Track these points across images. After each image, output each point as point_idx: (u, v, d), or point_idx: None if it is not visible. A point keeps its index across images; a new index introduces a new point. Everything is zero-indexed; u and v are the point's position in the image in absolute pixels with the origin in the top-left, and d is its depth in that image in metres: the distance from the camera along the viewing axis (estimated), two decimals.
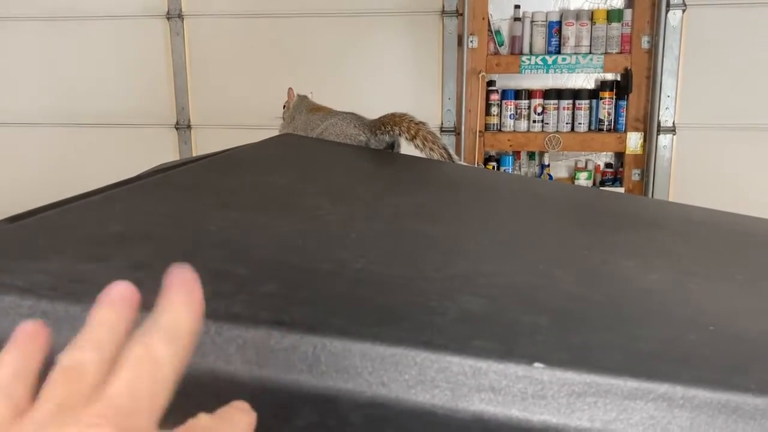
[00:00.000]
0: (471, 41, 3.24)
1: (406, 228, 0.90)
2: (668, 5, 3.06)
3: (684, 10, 3.07)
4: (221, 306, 0.58)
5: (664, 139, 3.17)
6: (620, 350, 0.55)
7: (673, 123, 3.17)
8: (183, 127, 3.39)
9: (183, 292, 0.35)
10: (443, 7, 3.22)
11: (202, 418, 0.34)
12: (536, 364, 0.51)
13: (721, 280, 0.81)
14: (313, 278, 0.68)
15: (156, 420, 0.31)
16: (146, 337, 0.33)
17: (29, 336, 0.34)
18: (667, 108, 3.15)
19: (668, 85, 3.13)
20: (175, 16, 3.29)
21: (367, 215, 0.94)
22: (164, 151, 3.28)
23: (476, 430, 0.51)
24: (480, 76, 3.28)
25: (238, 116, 3.29)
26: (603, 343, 0.56)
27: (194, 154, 3.21)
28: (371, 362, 0.54)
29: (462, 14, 3.18)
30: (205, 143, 3.29)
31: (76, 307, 0.54)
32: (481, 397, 0.51)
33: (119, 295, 0.35)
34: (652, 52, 3.14)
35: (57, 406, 0.30)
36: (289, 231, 0.82)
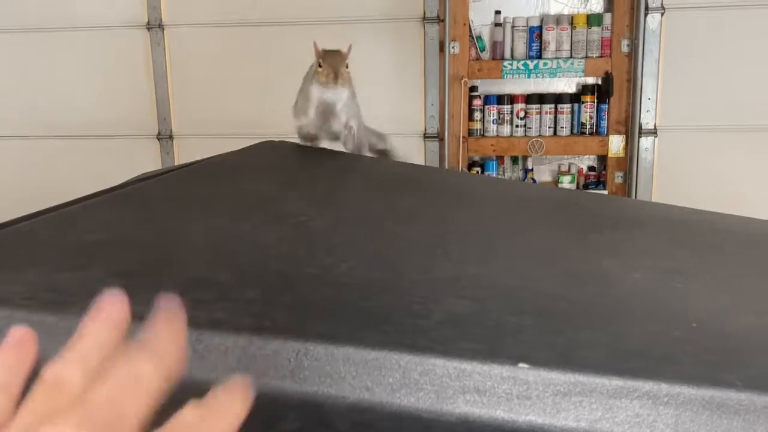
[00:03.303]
0: (453, 47, 3.25)
1: (389, 232, 0.89)
2: (647, 9, 3.08)
3: (663, 14, 3.09)
4: (203, 313, 0.57)
5: (645, 142, 3.20)
6: (604, 349, 0.55)
7: (655, 125, 3.19)
8: (165, 137, 3.37)
9: (169, 319, 0.35)
10: (424, 13, 3.23)
11: (188, 413, 0.33)
12: (521, 365, 0.51)
13: (703, 277, 0.81)
14: (296, 283, 0.68)
15: None
16: (131, 355, 0.33)
17: (16, 344, 0.33)
18: (648, 111, 3.17)
19: (649, 88, 3.15)
20: (155, 26, 3.27)
21: (350, 220, 0.94)
22: (146, 161, 3.26)
23: (461, 431, 0.50)
24: (462, 81, 3.29)
25: (221, 125, 3.27)
26: (587, 342, 0.56)
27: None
28: (355, 366, 0.53)
29: (443, 20, 3.19)
30: (188, 153, 3.28)
31: (53, 317, 0.54)
32: (466, 398, 0.51)
33: (110, 307, 0.34)
34: (632, 56, 3.16)
35: (36, 417, 0.30)
36: (271, 237, 0.82)
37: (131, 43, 3.29)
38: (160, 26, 3.27)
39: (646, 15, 3.08)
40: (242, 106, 3.26)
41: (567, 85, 3.41)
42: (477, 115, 3.39)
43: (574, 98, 3.35)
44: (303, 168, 1.27)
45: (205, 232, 0.81)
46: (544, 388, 0.50)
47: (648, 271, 0.78)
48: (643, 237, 0.98)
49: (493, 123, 3.40)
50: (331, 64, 1.30)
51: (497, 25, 3.35)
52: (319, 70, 1.32)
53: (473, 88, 3.40)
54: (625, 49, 3.19)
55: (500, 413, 0.50)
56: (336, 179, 1.23)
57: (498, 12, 3.35)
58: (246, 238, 0.80)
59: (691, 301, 0.72)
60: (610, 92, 3.23)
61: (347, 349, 0.54)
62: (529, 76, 3.30)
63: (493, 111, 3.39)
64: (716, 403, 0.49)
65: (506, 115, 3.40)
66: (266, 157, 1.29)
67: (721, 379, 0.51)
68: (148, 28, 3.28)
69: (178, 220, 0.87)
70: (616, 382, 0.50)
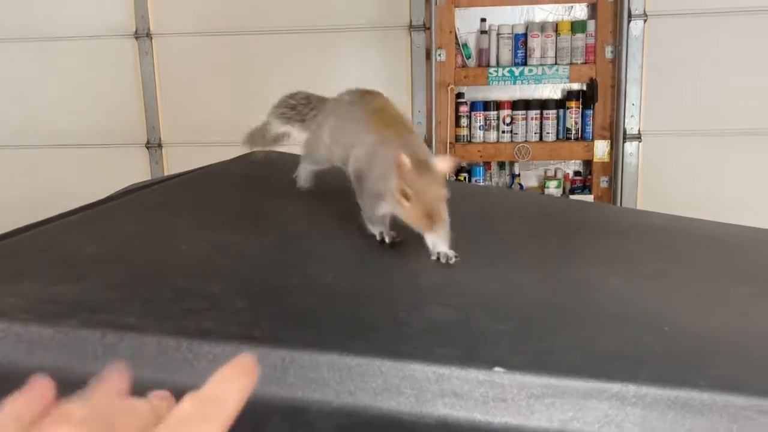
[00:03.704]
0: (439, 54, 3.28)
1: (376, 242, 0.92)
2: (630, 16, 3.13)
3: (645, 20, 3.14)
4: (192, 323, 0.60)
5: (630, 147, 3.24)
6: (577, 353, 0.57)
7: (639, 130, 3.23)
8: (154, 146, 3.39)
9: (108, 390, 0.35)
10: (411, 21, 3.26)
11: (186, 405, 0.33)
12: (496, 369, 0.54)
13: (681, 282, 0.84)
14: (284, 293, 0.70)
15: None
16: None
17: (35, 387, 0.34)
18: (632, 116, 3.21)
19: (633, 94, 3.20)
20: (143, 35, 3.29)
21: (337, 231, 0.96)
22: (136, 170, 3.27)
23: None
24: (449, 88, 3.33)
25: (210, 134, 3.29)
26: (561, 346, 0.58)
27: (166, 173, 3.21)
28: (339, 373, 0.55)
29: (429, 28, 3.22)
30: (177, 162, 3.29)
31: (50, 330, 0.56)
32: (445, 402, 0.53)
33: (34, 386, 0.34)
34: (616, 62, 3.20)
35: None
36: (260, 247, 0.84)
37: (119, 52, 3.30)
38: (148, 35, 3.29)
39: (629, 22, 3.12)
40: (231, 114, 3.28)
41: (552, 91, 3.45)
42: (464, 121, 3.43)
43: (560, 104, 3.39)
44: (291, 178, 1.29)
45: (195, 243, 0.83)
46: (519, 391, 0.53)
47: (628, 278, 0.81)
48: (626, 244, 1.01)
49: (479, 129, 3.43)
50: (427, 203, 0.81)
51: (483, 32, 3.39)
52: (406, 204, 0.82)
53: (460, 95, 3.43)
54: (608, 55, 3.24)
55: (477, 415, 0.53)
56: (323, 189, 1.25)
57: (483, 20, 3.38)
58: (235, 249, 0.83)
59: (666, 305, 0.74)
60: (595, 98, 3.27)
61: (332, 356, 0.56)
62: (514, 83, 3.34)
63: (479, 117, 3.43)
64: (681, 403, 0.52)
65: (492, 121, 3.43)
66: (256, 166, 1.31)
67: (686, 379, 0.53)
68: (136, 37, 3.29)
69: (169, 230, 0.89)
70: (586, 384, 0.52)
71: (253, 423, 0.55)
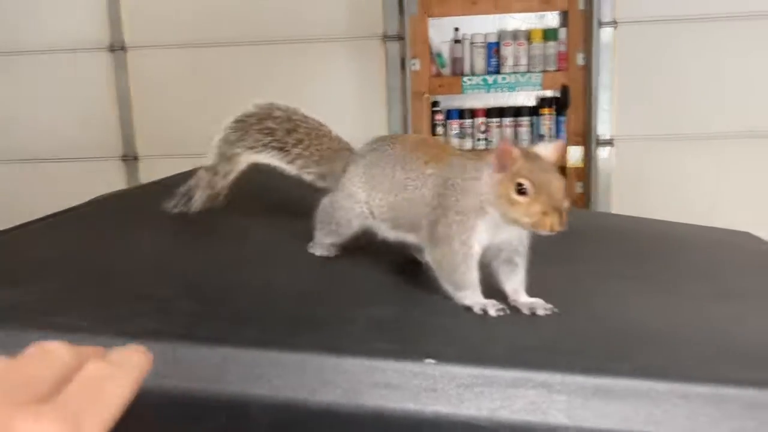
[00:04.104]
0: (413, 64, 3.31)
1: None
2: (600, 23, 3.18)
3: (615, 27, 3.19)
4: (139, 323, 0.61)
5: (603, 152, 3.28)
6: (506, 344, 0.59)
7: (611, 136, 3.28)
8: (130, 158, 3.39)
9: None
10: (385, 32, 3.29)
11: (91, 366, 0.35)
12: (427, 360, 0.56)
13: (639, 280, 0.86)
14: (232, 295, 0.72)
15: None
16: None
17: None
18: (604, 121, 3.26)
19: (604, 100, 3.24)
20: (118, 48, 3.30)
21: (290, 236, 0.98)
22: (112, 183, 3.27)
23: (375, 424, 0.55)
24: (424, 97, 3.36)
25: (186, 145, 3.30)
26: (491, 338, 0.61)
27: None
28: (279, 369, 0.57)
29: (403, 38, 3.25)
30: (154, 174, 3.29)
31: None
32: (379, 394, 0.55)
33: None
34: (587, 69, 3.25)
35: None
36: (212, 253, 0.86)
37: (94, 66, 3.31)
38: (123, 48, 3.30)
39: (599, 29, 3.17)
40: (207, 125, 3.29)
41: (526, 98, 3.49)
42: (440, 129, 3.46)
43: (533, 111, 3.43)
44: (251, 188, 1.30)
45: (150, 248, 0.85)
46: (449, 381, 0.55)
47: (566, 275, 0.83)
48: (574, 244, 1.03)
49: (455, 137, 3.47)
50: (549, 193, 0.68)
51: (456, 41, 3.43)
52: (520, 200, 0.68)
53: (435, 104, 3.47)
54: (580, 62, 3.28)
55: (410, 405, 0.55)
56: (279, 198, 1.26)
57: (457, 29, 3.43)
58: (188, 254, 0.84)
59: (614, 301, 0.77)
60: (568, 105, 3.31)
61: (272, 353, 0.58)
62: (488, 91, 3.38)
63: (455, 125, 3.47)
64: (605, 390, 0.54)
65: (468, 129, 3.47)
66: None
67: (610, 368, 0.56)
68: (111, 51, 3.30)
69: (126, 237, 0.91)
70: (513, 374, 0.54)
71: (195, 419, 0.56)
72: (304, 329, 0.62)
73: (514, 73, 3.36)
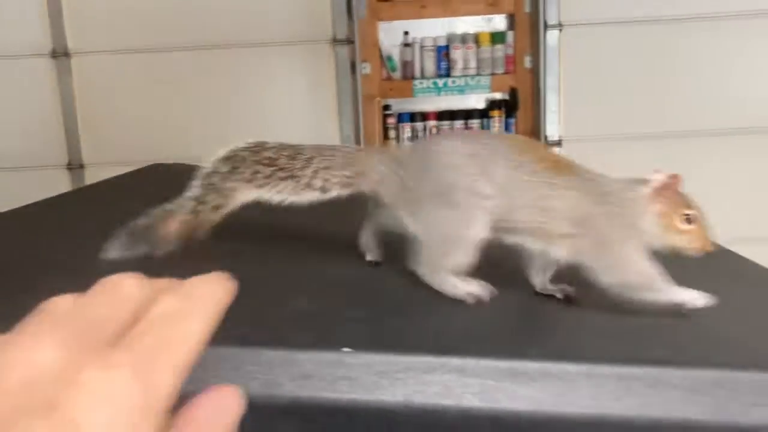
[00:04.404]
0: (364, 68, 3.32)
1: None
2: (546, 26, 3.24)
3: (560, 30, 3.25)
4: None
5: None
6: (421, 332, 0.60)
7: (559, 137, 3.34)
8: (76, 167, 3.33)
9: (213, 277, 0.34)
10: (334, 35, 3.30)
11: (166, 300, 0.31)
12: (344, 349, 0.56)
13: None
14: None
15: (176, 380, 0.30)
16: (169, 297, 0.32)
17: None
18: (552, 123, 3.31)
19: (552, 102, 3.30)
20: (61, 54, 3.24)
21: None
22: (57, 192, 3.21)
23: (292, 414, 0.55)
24: (375, 101, 3.37)
25: (133, 152, 3.25)
26: (408, 327, 0.61)
27: None
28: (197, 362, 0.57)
29: (353, 42, 3.26)
30: None
31: None
32: (296, 384, 0.55)
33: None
34: (535, 71, 3.30)
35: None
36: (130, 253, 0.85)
37: (37, 72, 3.24)
38: (66, 54, 3.24)
39: (545, 32, 3.23)
40: (154, 132, 3.25)
41: (476, 101, 3.53)
42: (392, 133, 3.48)
43: (484, 113, 3.48)
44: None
45: (71, 250, 0.84)
46: (365, 369, 0.55)
47: None
48: None
49: (408, 140, 3.49)
50: (703, 220, 0.75)
51: (406, 45, 3.45)
52: (687, 228, 0.74)
53: (387, 107, 3.48)
54: (527, 65, 3.34)
55: (326, 394, 0.55)
56: None
57: (406, 33, 3.45)
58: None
59: (527, 290, 0.78)
60: (517, 107, 3.36)
61: None
62: (439, 94, 3.41)
63: (407, 129, 3.49)
64: (516, 373, 0.55)
65: (420, 132, 3.50)
66: (150, 179, 1.31)
67: (521, 352, 0.57)
68: (54, 57, 3.24)
69: (45, 241, 0.89)
70: (427, 359, 0.55)
71: None
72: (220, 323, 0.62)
73: (464, 76, 3.40)
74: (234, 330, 0.62)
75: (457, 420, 0.53)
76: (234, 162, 0.83)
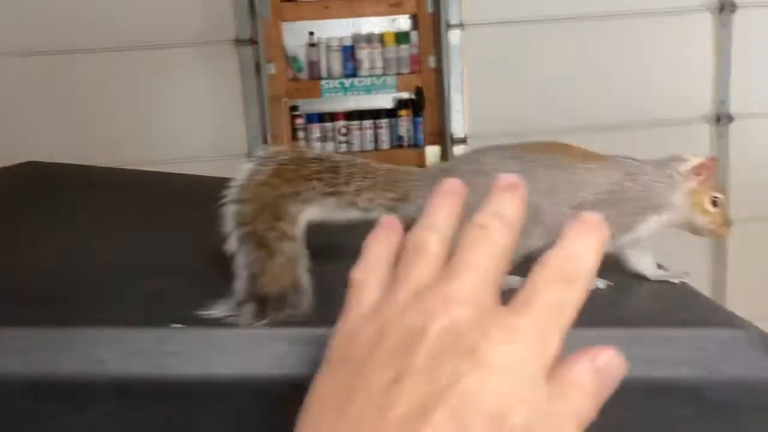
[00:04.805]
0: (269, 68, 3.30)
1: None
2: (448, 26, 3.29)
3: (462, 29, 3.31)
4: None
5: (458, 150, 3.39)
6: None
7: (465, 135, 3.40)
8: None
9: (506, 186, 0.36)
10: (237, 36, 3.26)
11: (551, 257, 0.33)
12: (173, 325, 0.55)
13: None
14: (16, 277, 0.69)
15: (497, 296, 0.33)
16: (481, 221, 0.34)
17: (388, 226, 0.37)
18: (457, 121, 3.37)
19: (456, 100, 3.35)
20: None
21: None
22: None
23: (118, 392, 0.54)
24: (282, 102, 3.35)
25: (24, 158, 3.13)
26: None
27: None
28: (26, 343, 0.55)
29: (257, 43, 3.23)
30: None
31: None
32: (120, 363, 0.54)
33: (452, 189, 0.37)
34: (439, 71, 3.36)
35: (413, 287, 0.33)
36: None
37: None
38: None
39: (447, 32, 3.28)
40: (54, 137, 3.13)
41: (384, 100, 3.56)
42: (301, 133, 3.47)
43: (391, 113, 3.51)
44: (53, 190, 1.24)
45: None
46: (194, 343, 0.54)
47: None
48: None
49: (317, 141, 3.49)
50: (726, 206, 0.80)
51: (312, 45, 3.45)
52: (713, 210, 0.78)
53: (294, 108, 3.47)
54: (432, 64, 3.39)
55: (154, 370, 0.54)
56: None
57: (312, 33, 3.45)
58: None
59: None
60: (423, 106, 3.41)
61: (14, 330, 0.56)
62: (346, 94, 3.42)
63: (315, 129, 3.49)
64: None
65: (329, 132, 3.50)
66: (23, 179, 1.26)
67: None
68: None
69: None
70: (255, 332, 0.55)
71: None
72: (50, 305, 0.60)
73: (371, 76, 3.42)
74: (52, 309, 0.60)
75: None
76: (291, 175, 0.72)
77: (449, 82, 3.33)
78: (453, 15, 3.29)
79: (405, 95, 3.51)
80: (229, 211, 0.67)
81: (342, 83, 3.39)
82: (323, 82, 3.41)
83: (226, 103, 3.31)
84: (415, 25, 3.44)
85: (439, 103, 3.40)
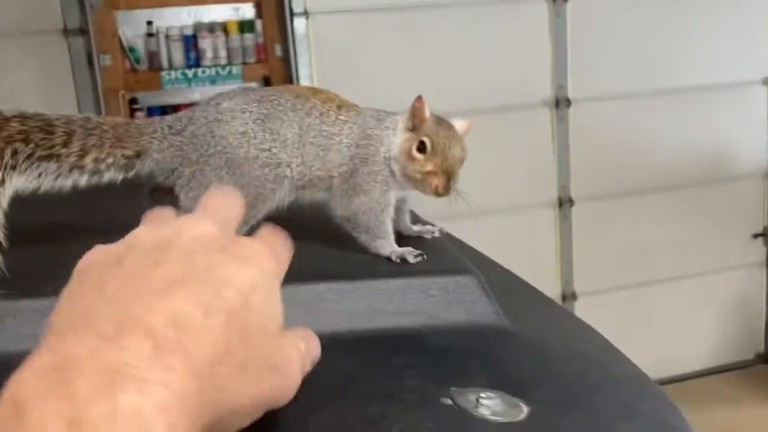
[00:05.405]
0: (103, 60, 3.12)
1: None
2: (292, 14, 3.24)
3: (307, 18, 3.27)
4: None
5: None
6: None
7: None
8: None
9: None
10: (65, 25, 3.05)
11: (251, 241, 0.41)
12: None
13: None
14: None
15: None
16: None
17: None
18: None
19: None
20: None
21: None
22: None
23: None
24: (120, 94, 3.18)
25: None
26: None
27: None
28: None
29: (87, 32, 3.04)
30: None
31: None
32: None
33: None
34: (287, 59, 3.30)
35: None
36: None
37: None
38: None
39: (292, 20, 3.23)
40: None
41: None
42: None
43: None
44: None
45: None
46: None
47: None
48: None
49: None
50: (445, 157, 0.70)
51: (150, 35, 3.30)
52: (418, 156, 0.70)
53: (134, 101, 3.30)
54: (279, 53, 3.33)
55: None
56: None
57: (150, 22, 3.30)
58: None
59: None
60: None
61: None
62: (189, 85, 3.30)
63: None
64: None
65: None
66: None
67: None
68: None
69: None
70: None
71: None
72: None
73: (214, 66, 3.32)
74: None
75: None
76: None
77: (297, 71, 3.29)
78: (297, 3, 3.25)
79: (252, 85, 3.42)
80: None
81: (185, 74, 3.27)
82: (164, 73, 3.27)
83: (57, 97, 3.09)
84: (259, 13, 3.36)
85: None
